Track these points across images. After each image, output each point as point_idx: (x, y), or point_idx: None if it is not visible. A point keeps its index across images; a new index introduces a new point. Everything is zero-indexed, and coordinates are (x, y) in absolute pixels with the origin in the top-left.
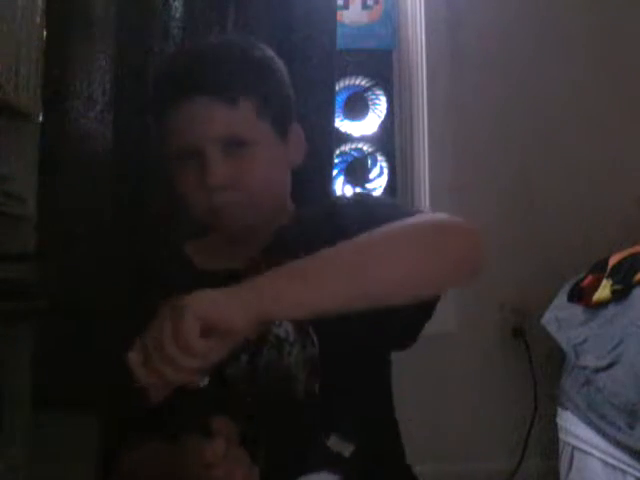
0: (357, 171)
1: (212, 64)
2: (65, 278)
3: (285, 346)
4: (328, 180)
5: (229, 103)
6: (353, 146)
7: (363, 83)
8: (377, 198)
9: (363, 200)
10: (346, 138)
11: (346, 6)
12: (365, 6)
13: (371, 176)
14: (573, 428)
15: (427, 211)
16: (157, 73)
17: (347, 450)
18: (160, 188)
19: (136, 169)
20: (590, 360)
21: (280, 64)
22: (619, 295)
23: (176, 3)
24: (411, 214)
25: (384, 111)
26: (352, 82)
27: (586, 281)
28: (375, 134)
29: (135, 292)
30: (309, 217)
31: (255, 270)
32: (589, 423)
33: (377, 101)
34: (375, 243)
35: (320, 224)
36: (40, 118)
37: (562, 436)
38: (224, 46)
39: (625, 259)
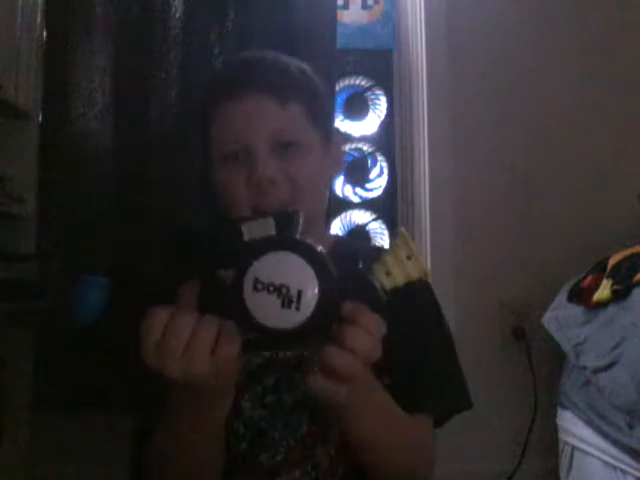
0: (357, 171)
1: (264, 67)
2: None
3: None
4: None
5: (280, 103)
6: (353, 146)
7: (363, 83)
8: (430, 295)
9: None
10: (346, 138)
11: (346, 6)
12: (365, 6)
13: (371, 176)
14: (573, 428)
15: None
16: (208, 81)
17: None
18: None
19: (136, 169)
20: (590, 360)
21: (321, 85)
22: (619, 295)
23: (176, 3)
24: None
25: (384, 111)
26: (352, 82)
27: (586, 281)
28: (375, 134)
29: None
30: (353, 260)
31: None
32: (589, 423)
33: (377, 101)
34: (414, 437)
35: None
36: (40, 118)
37: (562, 436)
38: (272, 56)
39: (625, 259)
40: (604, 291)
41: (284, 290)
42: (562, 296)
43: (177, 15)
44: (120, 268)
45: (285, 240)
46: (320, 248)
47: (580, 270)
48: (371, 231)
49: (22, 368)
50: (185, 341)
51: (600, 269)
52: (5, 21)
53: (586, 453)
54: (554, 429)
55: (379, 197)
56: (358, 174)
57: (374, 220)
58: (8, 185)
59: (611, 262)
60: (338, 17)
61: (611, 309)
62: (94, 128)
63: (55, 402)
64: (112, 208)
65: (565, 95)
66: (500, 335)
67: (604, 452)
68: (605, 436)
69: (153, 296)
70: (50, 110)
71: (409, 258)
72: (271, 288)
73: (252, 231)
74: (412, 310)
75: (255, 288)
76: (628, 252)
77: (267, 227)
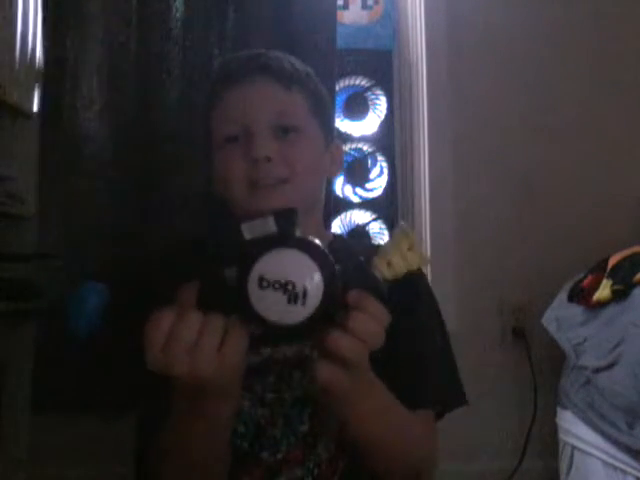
0: (357, 171)
1: (270, 56)
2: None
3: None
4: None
5: (283, 86)
6: (353, 146)
7: (363, 83)
8: (428, 286)
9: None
10: (346, 138)
11: (346, 6)
12: (365, 6)
13: (371, 176)
14: (573, 428)
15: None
16: (216, 68)
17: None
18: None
19: (136, 168)
20: (590, 360)
21: (324, 88)
22: (619, 295)
23: (176, 3)
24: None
25: (384, 111)
26: (352, 82)
27: (586, 281)
28: (375, 134)
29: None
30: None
31: None
32: (589, 423)
33: (377, 101)
34: (413, 431)
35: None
36: (40, 118)
37: (562, 436)
38: (277, 52)
39: (625, 259)
40: (604, 291)
41: (290, 287)
42: (562, 296)
43: (177, 15)
44: (118, 272)
45: (287, 237)
46: (321, 243)
47: (580, 270)
48: (371, 231)
49: (22, 368)
50: (192, 340)
51: (600, 269)
52: (4, 21)
53: (586, 453)
54: (554, 429)
55: (379, 197)
56: (358, 174)
57: (374, 220)
58: (9, 185)
59: (611, 262)
60: (338, 17)
61: (611, 309)
62: (94, 128)
63: (55, 402)
64: (112, 208)
65: (566, 96)
66: (500, 335)
67: (604, 452)
68: (605, 436)
69: (152, 299)
70: (50, 110)
71: (409, 249)
72: (276, 285)
73: (253, 230)
74: (410, 299)
75: (260, 286)
76: (628, 252)
77: (268, 225)
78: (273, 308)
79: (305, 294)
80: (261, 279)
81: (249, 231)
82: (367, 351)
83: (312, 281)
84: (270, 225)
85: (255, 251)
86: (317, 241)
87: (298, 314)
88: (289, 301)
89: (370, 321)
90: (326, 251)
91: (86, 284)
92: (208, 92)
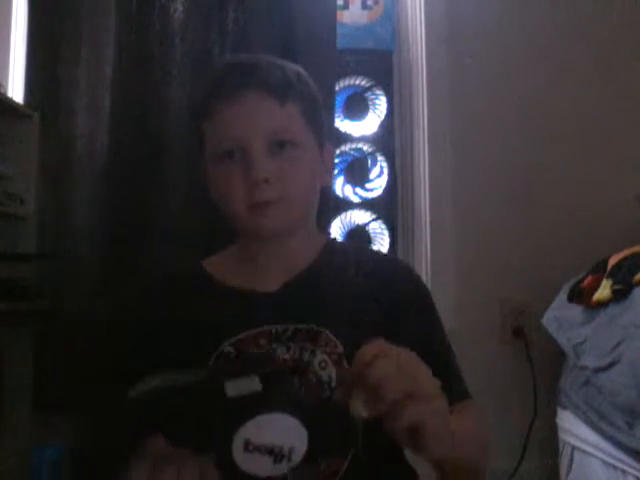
0: (357, 171)
1: (261, 67)
2: (65, 279)
3: (325, 390)
4: None
5: (279, 100)
6: (353, 146)
7: (363, 83)
8: (428, 294)
9: (415, 287)
10: (346, 138)
11: (346, 6)
12: (365, 6)
13: (371, 176)
14: (573, 428)
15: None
16: (205, 79)
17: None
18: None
19: (135, 170)
20: (590, 360)
21: (316, 89)
22: (619, 295)
23: (176, 3)
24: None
25: (384, 111)
26: (352, 82)
27: (586, 281)
28: (375, 134)
29: (152, 308)
30: (345, 262)
31: None
32: (589, 423)
33: (377, 101)
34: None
35: (355, 277)
36: (40, 118)
37: (562, 436)
38: (267, 58)
39: (625, 259)
40: (604, 291)
41: (276, 449)
42: (562, 296)
43: (176, 14)
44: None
45: (276, 401)
46: (309, 402)
47: (580, 270)
48: (371, 231)
49: (22, 368)
50: None
51: (600, 269)
52: (3, 21)
53: (586, 453)
54: (554, 429)
55: (379, 197)
56: (358, 174)
57: (374, 220)
58: (8, 185)
59: (611, 262)
60: (338, 17)
61: (611, 309)
62: (94, 129)
63: (55, 402)
64: (110, 208)
65: (566, 96)
66: (500, 335)
67: (604, 452)
68: (605, 436)
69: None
70: (50, 110)
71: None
72: (262, 449)
73: (237, 388)
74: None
75: (246, 449)
76: (628, 252)
77: (252, 384)
78: (258, 468)
79: (291, 454)
80: (247, 443)
81: (233, 388)
82: None
83: (299, 442)
84: (255, 384)
85: (240, 415)
86: (306, 400)
87: (283, 469)
88: (275, 461)
89: None
90: (314, 408)
91: (40, 451)
92: (199, 102)
